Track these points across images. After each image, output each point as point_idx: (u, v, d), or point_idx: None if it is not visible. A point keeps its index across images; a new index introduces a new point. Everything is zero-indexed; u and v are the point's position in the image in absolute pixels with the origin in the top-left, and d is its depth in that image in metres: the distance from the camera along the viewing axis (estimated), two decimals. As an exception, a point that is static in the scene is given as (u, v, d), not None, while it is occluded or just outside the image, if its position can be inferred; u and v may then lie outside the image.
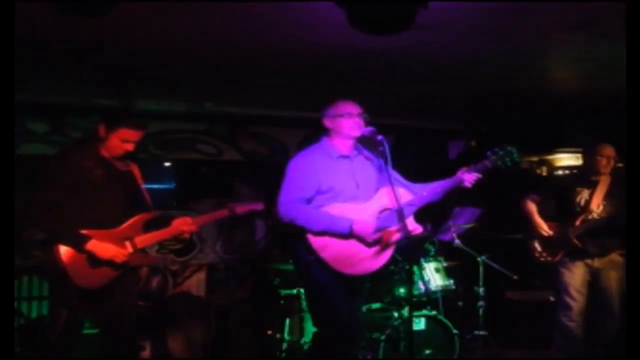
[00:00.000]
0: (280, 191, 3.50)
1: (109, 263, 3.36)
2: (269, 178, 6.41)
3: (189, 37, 3.97)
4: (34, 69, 4.63)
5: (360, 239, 3.42)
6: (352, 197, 3.51)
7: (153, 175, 6.43)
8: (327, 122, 3.59)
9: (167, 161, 6.51)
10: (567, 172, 6.93)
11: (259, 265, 6.40)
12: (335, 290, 3.43)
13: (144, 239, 3.51)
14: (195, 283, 6.38)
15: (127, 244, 3.44)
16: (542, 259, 4.61)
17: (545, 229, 4.58)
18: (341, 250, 3.40)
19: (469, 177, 3.55)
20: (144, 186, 3.66)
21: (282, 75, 4.96)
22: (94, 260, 3.32)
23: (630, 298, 2.94)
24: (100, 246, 3.32)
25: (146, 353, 5.23)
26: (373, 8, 3.09)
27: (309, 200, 3.48)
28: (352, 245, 3.42)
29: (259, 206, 4.07)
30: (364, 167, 3.63)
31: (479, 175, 3.56)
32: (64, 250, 3.28)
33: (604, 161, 4.46)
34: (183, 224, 3.63)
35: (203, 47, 4.21)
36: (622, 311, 4.37)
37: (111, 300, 3.46)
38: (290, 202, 3.44)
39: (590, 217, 4.44)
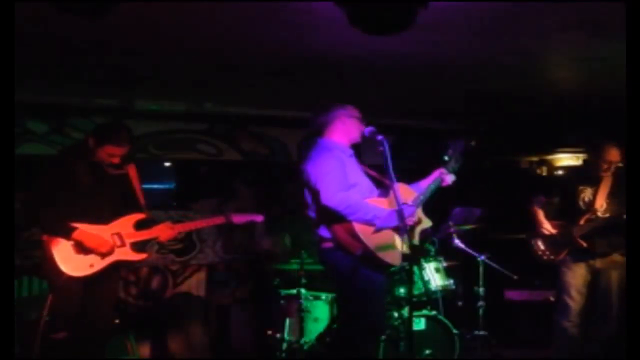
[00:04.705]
0: (321, 189, 3.39)
1: (94, 252, 3.63)
2: (269, 178, 6.44)
3: (189, 37, 3.97)
4: (34, 69, 4.62)
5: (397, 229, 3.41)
6: (371, 191, 3.53)
7: (153, 175, 6.44)
8: (338, 121, 3.61)
9: (167, 161, 6.51)
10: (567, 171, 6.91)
11: (259, 265, 6.40)
12: (383, 292, 3.43)
13: (131, 235, 3.78)
14: (195, 283, 6.37)
15: (115, 237, 3.71)
16: (545, 258, 4.56)
17: (547, 227, 4.53)
18: (380, 239, 3.38)
19: (448, 178, 3.72)
20: (140, 186, 3.91)
21: (282, 75, 4.96)
22: (80, 248, 3.61)
23: (631, 298, 2.94)
24: (87, 235, 3.61)
25: (146, 353, 5.23)
26: (373, 8, 3.09)
27: None
28: (389, 234, 3.43)
29: (258, 218, 4.14)
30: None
31: (453, 177, 3.73)
32: (52, 241, 3.60)
33: (608, 164, 4.41)
34: (165, 229, 3.86)
35: (203, 47, 4.21)
36: (621, 311, 4.35)
37: (94, 294, 3.71)
38: (337, 192, 3.36)
39: (594, 216, 4.39)
